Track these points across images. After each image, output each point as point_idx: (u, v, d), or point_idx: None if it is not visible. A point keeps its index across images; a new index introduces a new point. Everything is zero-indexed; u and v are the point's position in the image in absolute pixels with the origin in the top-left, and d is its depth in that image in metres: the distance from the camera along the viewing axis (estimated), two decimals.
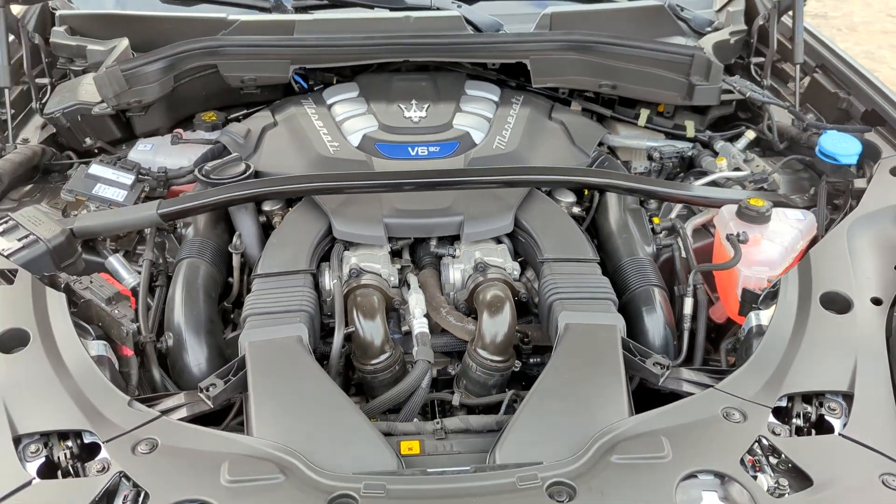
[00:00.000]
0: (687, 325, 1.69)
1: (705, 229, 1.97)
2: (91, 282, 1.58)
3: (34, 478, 1.23)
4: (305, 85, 2.36)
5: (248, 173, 1.89)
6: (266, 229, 1.94)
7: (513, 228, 1.84)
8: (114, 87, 2.04)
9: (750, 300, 1.61)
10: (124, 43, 2.21)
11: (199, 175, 1.87)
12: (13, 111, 2.17)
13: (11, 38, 2.21)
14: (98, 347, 1.49)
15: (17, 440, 1.27)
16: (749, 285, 1.65)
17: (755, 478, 1.25)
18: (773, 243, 1.69)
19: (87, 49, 2.26)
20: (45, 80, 2.31)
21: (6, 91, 2.08)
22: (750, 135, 2.16)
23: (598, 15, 2.36)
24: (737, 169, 2.07)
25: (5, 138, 2.08)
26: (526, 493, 1.19)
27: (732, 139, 2.20)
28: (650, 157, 2.19)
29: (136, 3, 2.48)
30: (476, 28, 2.30)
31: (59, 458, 1.29)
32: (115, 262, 1.81)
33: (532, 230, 1.82)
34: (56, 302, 1.50)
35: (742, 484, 1.21)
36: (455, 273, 1.78)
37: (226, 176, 1.88)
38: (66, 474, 1.28)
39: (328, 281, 1.74)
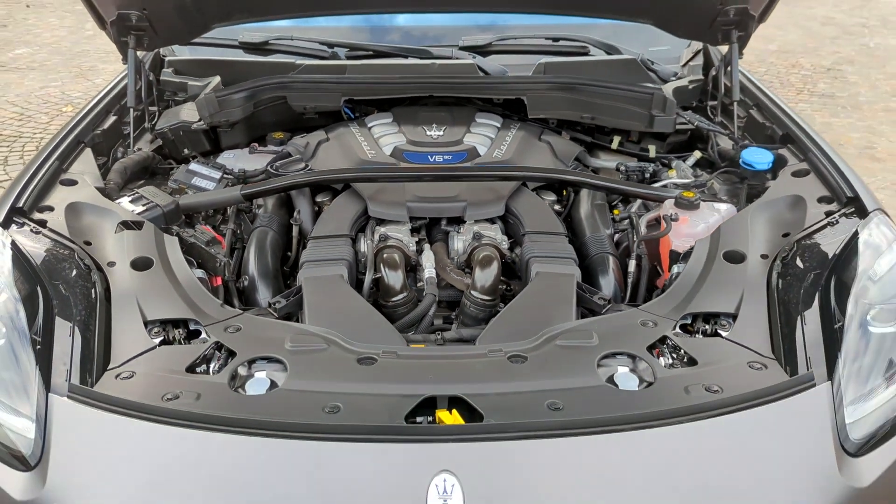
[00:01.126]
0: (630, 279, 2.23)
1: (656, 223, 2.53)
2: (195, 230, 2.20)
3: (157, 345, 1.81)
4: (352, 115, 3.02)
5: (307, 169, 2.52)
6: (318, 215, 2.55)
7: (504, 213, 2.43)
8: (210, 108, 2.72)
9: (674, 259, 2.16)
10: (217, 79, 2.91)
11: (271, 169, 2.51)
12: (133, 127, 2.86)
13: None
14: (199, 273, 2.09)
15: (146, 324, 1.85)
16: (678, 250, 2.20)
17: (658, 359, 1.77)
18: (697, 221, 2.24)
19: (189, 84, 2.97)
20: (155, 108, 3.00)
21: (132, 111, 2.76)
22: (697, 154, 2.74)
23: (583, 65, 3.00)
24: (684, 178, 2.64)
25: (128, 145, 2.76)
26: (492, 360, 1.74)
27: (685, 159, 2.78)
28: (617, 169, 2.78)
29: (225, 53, 3.19)
30: (486, 73, 2.95)
31: (173, 337, 1.86)
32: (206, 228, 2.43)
33: (519, 214, 2.40)
34: (171, 243, 2.11)
35: (647, 361, 1.74)
36: (458, 243, 2.36)
37: (290, 171, 2.52)
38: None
39: (363, 245, 2.33)
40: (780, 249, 2.03)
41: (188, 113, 2.82)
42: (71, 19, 9.00)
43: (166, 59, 3.12)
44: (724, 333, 1.85)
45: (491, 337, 1.87)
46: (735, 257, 2.03)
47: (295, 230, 2.45)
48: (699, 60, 3.12)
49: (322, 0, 2.70)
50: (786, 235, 2.09)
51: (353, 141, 2.70)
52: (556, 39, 3.13)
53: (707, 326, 1.89)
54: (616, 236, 2.47)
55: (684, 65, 3.15)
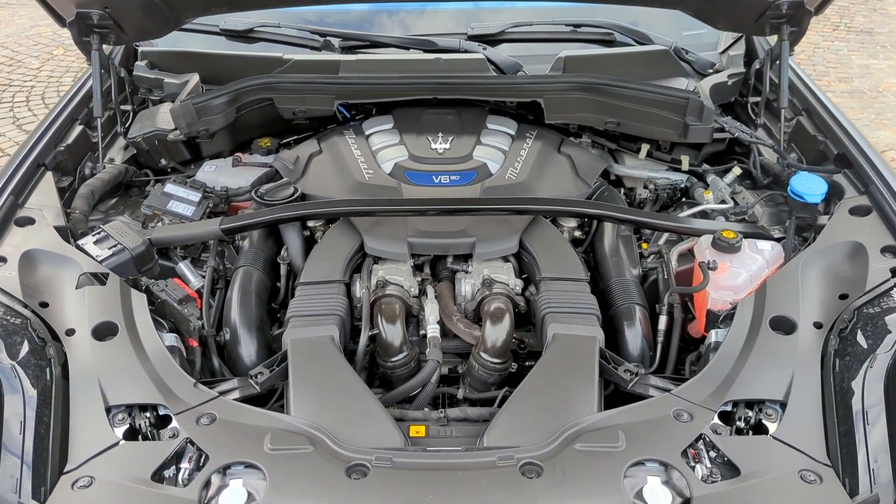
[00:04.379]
0: (660, 338, 1.97)
1: (690, 254, 2.24)
2: (166, 285, 1.95)
3: (121, 439, 1.58)
4: (348, 115, 2.70)
5: (295, 196, 2.24)
6: (309, 242, 2.28)
7: (518, 249, 2.15)
8: (186, 118, 2.42)
9: (713, 319, 1.89)
10: (195, 78, 2.59)
11: (255, 197, 2.23)
12: (102, 134, 2.56)
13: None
14: (170, 339, 1.85)
15: (108, 410, 1.62)
16: (714, 307, 1.92)
17: (693, 468, 1.53)
18: (738, 271, 1.96)
19: (165, 82, 2.65)
20: (128, 107, 2.69)
21: (99, 121, 2.47)
22: (737, 170, 2.42)
23: (609, 59, 2.65)
24: (722, 202, 2.34)
25: (97, 159, 2.47)
26: (502, 470, 1.50)
27: (723, 173, 2.46)
28: (646, 187, 2.47)
29: (205, 41, 2.85)
30: (498, 68, 2.61)
31: (140, 424, 1.64)
32: (184, 267, 2.18)
33: (534, 251, 2.13)
34: (139, 301, 1.86)
35: (680, 471, 1.50)
36: (466, 287, 2.10)
37: (277, 198, 2.23)
38: (145, 438, 1.63)
39: (359, 290, 2.07)
40: (836, 317, 1.75)
41: (164, 118, 2.52)
42: None
43: (140, 49, 2.78)
44: (771, 427, 1.61)
45: (501, 431, 1.63)
46: (784, 325, 1.76)
47: (283, 269, 2.19)
48: (740, 48, 2.75)
49: None
50: (843, 297, 1.81)
51: (349, 156, 2.40)
52: (577, 26, 2.76)
53: (751, 414, 1.64)
54: (642, 272, 2.19)
55: (723, 52, 2.78)
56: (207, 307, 2.06)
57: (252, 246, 2.23)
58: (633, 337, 1.98)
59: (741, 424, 1.63)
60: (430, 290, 2.11)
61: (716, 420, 1.61)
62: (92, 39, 2.37)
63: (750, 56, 2.73)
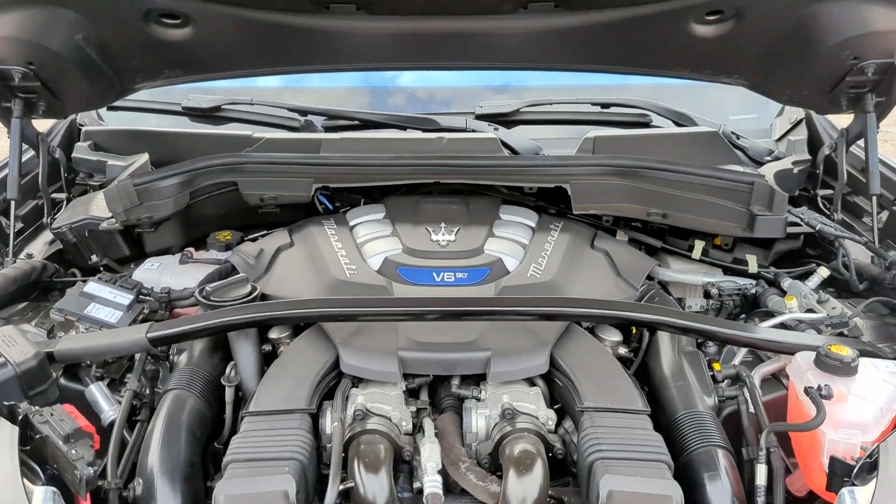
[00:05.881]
0: (760, 499, 1.37)
1: (775, 379, 1.68)
2: (52, 414, 1.36)
3: None
4: (331, 206, 2.21)
5: (252, 296, 1.69)
6: (269, 359, 1.72)
7: (548, 368, 1.59)
8: (124, 201, 1.93)
9: (840, 472, 1.30)
10: (143, 158, 2.12)
11: (199, 296, 1.68)
12: (22, 225, 2.06)
13: (32, 153, 2.15)
14: (45, 496, 1.25)
15: None
16: (837, 453, 1.34)
17: None
18: (863, 401, 1.39)
19: (108, 164, 2.19)
20: (63, 195, 2.21)
21: (13, 203, 1.97)
22: (823, 272, 1.90)
23: (646, 140, 2.20)
24: (809, 310, 1.80)
25: (6, 252, 1.95)
26: None
27: (802, 277, 1.94)
28: (707, 295, 1.94)
29: (170, 121, 2.42)
30: (513, 151, 2.16)
31: None
32: (96, 390, 1.61)
33: (570, 372, 1.57)
34: (6, 437, 1.28)
35: None
36: (479, 420, 1.52)
37: (228, 298, 1.69)
38: None
39: (329, 423, 1.49)
40: None
41: (100, 205, 2.03)
42: None
43: (83, 129, 2.33)
44: None
45: None
46: None
47: (229, 393, 1.61)
48: (801, 134, 2.31)
49: (285, 54, 1.92)
50: None
51: (327, 249, 1.89)
52: (605, 106, 2.33)
53: None
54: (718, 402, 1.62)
55: (780, 138, 2.34)
56: (118, 447, 1.46)
57: (190, 363, 1.66)
58: (720, 495, 1.38)
59: None
60: (428, 424, 1.54)
61: None
62: (13, 105, 1.92)
63: (813, 143, 2.29)
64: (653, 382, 1.67)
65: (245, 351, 1.66)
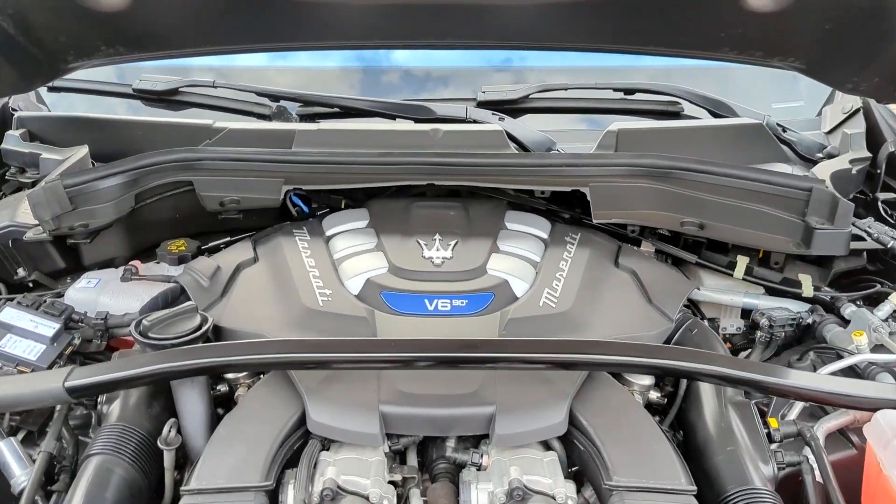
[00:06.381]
0: None
1: (842, 435, 1.38)
2: None
3: None
4: (306, 209, 1.88)
5: (202, 331, 1.37)
6: (225, 405, 1.41)
7: (567, 428, 1.28)
8: (52, 207, 1.60)
9: None
10: (82, 151, 1.79)
11: (135, 331, 1.35)
12: None
13: None
14: None
15: None
16: None
17: None
18: None
19: (42, 157, 1.85)
20: None
21: None
22: (894, 299, 1.57)
23: (678, 134, 1.87)
24: (879, 346, 1.49)
25: None
26: None
27: (866, 302, 1.62)
28: (755, 325, 1.62)
29: (125, 107, 2.08)
30: (521, 145, 1.82)
31: None
32: (5, 448, 1.30)
33: (595, 434, 1.25)
34: None
35: None
36: (480, 497, 1.21)
37: (171, 334, 1.36)
38: None
39: (292, 500, 1.18)
40: None
41: (28, 210, 1.69)
42: None
43: (15, 115, 1.99)
44: None
45: None
46: None
47: (167, 458, 1.29)
48: (857, 126, 1.98)
49: (249, 29, 1.57)
50: None
51: (298, 267, 1.56)
52: (629, 91, 1.99)
53: None
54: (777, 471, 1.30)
55: (831, 131, 2.01)
56: None
57: (123, 417, 1.34)
58: None
59: None
60: (416, 498, 1.23)
61: None
62: None
63: (873, 137, 1.95)
64: (693, 443, 1.35)
65: (191, 401, 1.34)
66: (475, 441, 1.31)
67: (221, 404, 1.41)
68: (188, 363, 1.25)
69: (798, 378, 1.31)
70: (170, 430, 1.28)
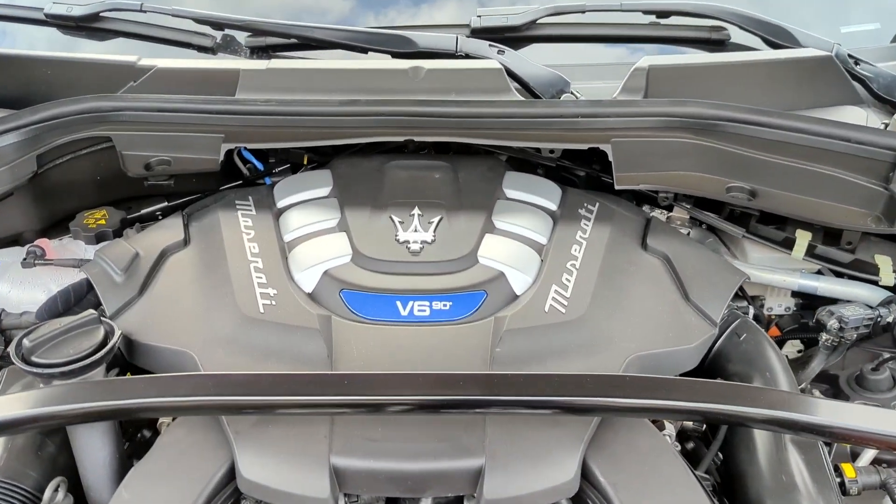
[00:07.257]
0: None
1: None
2: None
3: None
4: (261, 166, 1.53)
5: (102, 353, 1.04)
6: (139, 448, 1.11)
7: (578, 487, 0.97)
8: None
9: None
10: None
11: (15, 355, 1.03)
12: None
13: None
14: None
15: None
16: None
17: None
18: None
19: None
20: None
21: None
22: None
23: (725, 71, 1.47)
24: None
25: None
26: None
27: None
28: (823, 327, 1.28)
29: (44, 36, 1.69)
30: (526, 87, 1.44)
31: None
32: None
33: (615, 494, 0.94)
34: None
35: None
36: None
37: (62, 356, 1.03)
38: None
39: None
40: None
41: None
42: None
43: None
44: None
45: None
46: None
47: None
48: None
49: None
50: None
51: (237, 256, 1.23)
52: (663, 14, 1.59)
53: None
54: None
55: None
56: None
57: (7, 468, 1.03)
58: None
59: None
60: None
61: None
62: None
63: None
64: (742, 495, 1.04)
65: (91, 445, 1.03)
66: (455, 500, 1.01)
67: (138, 452, 1.11)
68: (77, 408, 0.94)
69: (874, 417, 0.98)
70: (55, 491, 0.98)
